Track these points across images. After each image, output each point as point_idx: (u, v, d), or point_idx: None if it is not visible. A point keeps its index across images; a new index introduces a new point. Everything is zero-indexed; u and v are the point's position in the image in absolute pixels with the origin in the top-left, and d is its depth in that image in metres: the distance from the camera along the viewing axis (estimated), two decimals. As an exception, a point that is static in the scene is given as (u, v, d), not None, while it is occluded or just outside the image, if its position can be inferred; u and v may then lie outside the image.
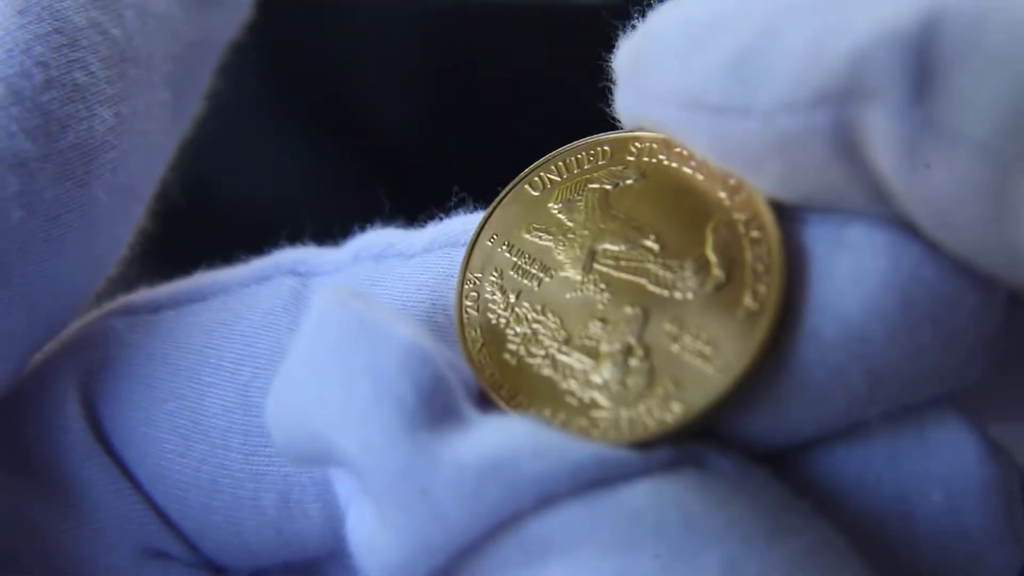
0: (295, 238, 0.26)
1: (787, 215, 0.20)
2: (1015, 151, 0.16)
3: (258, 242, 0.26)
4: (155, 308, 0.24)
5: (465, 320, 0.22)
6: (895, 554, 0.20)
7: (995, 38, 0.16)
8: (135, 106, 0.23)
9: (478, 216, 0.23)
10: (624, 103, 0.21)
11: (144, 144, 0.23)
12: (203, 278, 0.25)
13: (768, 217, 0.20)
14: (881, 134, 0.17)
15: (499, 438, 0.19)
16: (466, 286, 0.22)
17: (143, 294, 0.25)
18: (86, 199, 0.22)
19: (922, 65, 0.17)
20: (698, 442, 0.20)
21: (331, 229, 0.26)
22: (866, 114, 0.17)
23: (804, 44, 0.18)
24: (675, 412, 0.19)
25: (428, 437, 0.19)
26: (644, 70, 0.20)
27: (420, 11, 0.54)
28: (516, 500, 0.18)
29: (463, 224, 0.23)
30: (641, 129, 0.22)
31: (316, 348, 0.20)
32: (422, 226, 0.24)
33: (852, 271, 0.19)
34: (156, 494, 0.23)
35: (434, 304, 0.22)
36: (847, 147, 0.18)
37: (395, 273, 0.23)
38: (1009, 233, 0.16)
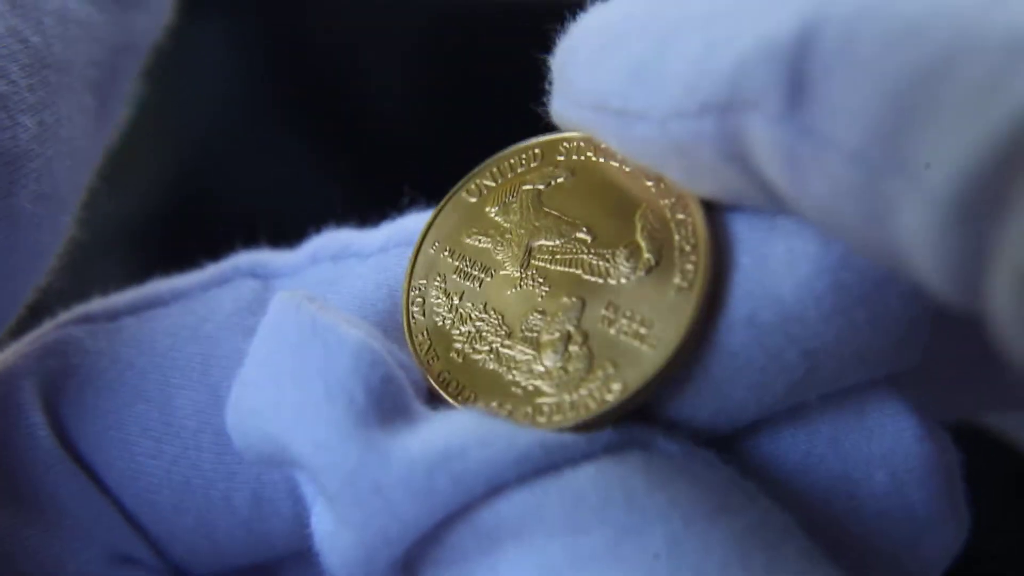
0: (295, 237, 0.26)
1: (720, 204, 0.20)
2: (884, 156, 0.16)
3: (257, 242, 0.26)
4: (114, 316, 0.24)
5: (412, 324, 0.22)
6: (842, 533, 0.20)
7: (863, 48, 0.16)
8: (58, 113, 0.23)
9: (428, 216, 0.23)
10: (555, 106, 0.22)
11: (69, 151, 0.23)
12: (160, 284, 0.25)
13: (692, 198, 0.20)
14: (762, 142, 0.18)
15: (447, 431, 0.19)
16: (412, 293, 0.23)
17: (99, 303, 0.25)
18: (10, 210, 0.22)
19: (796, 75, 0.17)
20: (645, 425, 0.20)
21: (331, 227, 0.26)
22: (747, 123, 0.18)
23: (694, 54, 0.18)
24: (614, 391, 0.20)
25: (379, 435, 0.19)
26: (566, 74, 0.21)
27: (420, 11, 0.54)
28: (466, 490, 0.19)
29: (416, 223, 0.24)
30: (569, 130, 0.22)
31: (271, 352, 0.20)
32: (375, 226, 0.25)
33: (786, 256, 0.19)
34: (125, 498, 0.23)
35: (394, 303, 0.23)
36: (734, 153, 0.18)
37: (353, 273, 0.24)
38: (887, 233, 0.17)
